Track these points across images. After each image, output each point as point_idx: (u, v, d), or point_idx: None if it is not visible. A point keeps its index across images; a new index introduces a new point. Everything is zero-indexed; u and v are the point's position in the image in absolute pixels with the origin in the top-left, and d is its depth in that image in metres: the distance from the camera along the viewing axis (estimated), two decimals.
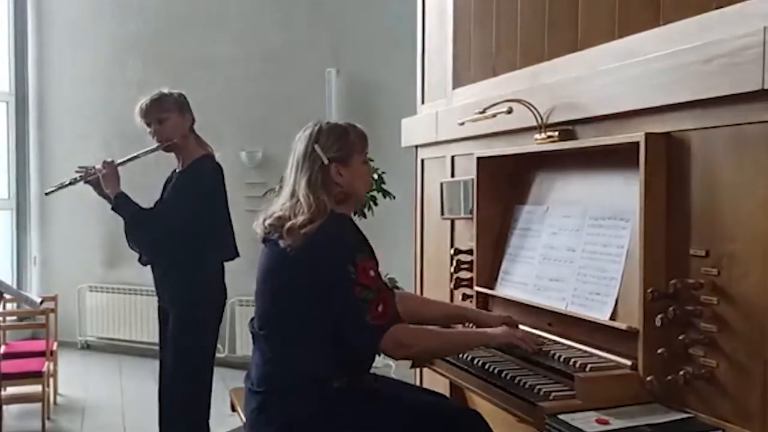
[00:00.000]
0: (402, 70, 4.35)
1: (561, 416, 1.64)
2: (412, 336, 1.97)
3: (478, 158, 2.48)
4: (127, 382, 5.41)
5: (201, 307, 3.07)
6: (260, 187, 5.48)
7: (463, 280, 2.60)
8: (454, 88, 2.84)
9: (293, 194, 2.01)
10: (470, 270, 2.56)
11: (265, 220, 2.03)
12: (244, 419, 2.15)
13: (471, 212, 2.54)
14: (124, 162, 3.17)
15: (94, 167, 3.10)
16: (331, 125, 2.07)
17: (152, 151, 3.16)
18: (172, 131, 3.10)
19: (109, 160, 3.10)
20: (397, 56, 4.86)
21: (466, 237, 2.65)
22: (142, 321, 6.06)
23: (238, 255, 3.19)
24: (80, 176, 3.10)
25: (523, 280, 2.31)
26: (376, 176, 4.42)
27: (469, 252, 2.58)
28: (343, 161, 2.02)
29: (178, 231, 2.97)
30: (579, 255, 2.08)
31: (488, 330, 2.12)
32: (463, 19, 2.82)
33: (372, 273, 1.93)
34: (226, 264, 3.18)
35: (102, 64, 6.31)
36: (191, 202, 3.00)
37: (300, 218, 1.92)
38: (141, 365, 5.71)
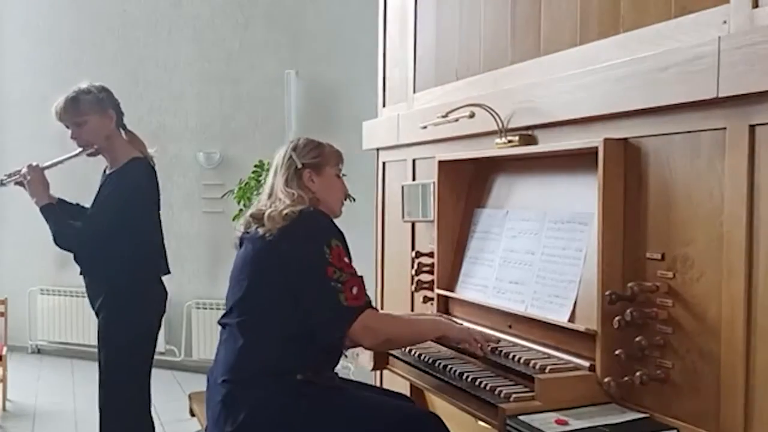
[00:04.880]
0: (362, 72, 4.35)
1: (521, 417, 1.66)
2: (380, 321, 2.03)
3: (439, 161, 2.50)
4: (79, 388, 5.27)
5: (131, 322, 2.88)
6: (218, 188, 5.43)
7: (424, 282, 2.62)
8: (415, 91, 2.85)
9: (271, 194, 2.13)
10: (431, 272, 2.57)
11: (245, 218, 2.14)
12: (204, 422, 2.12)
13: (432, 215, 2.56)
14: (50, 166, 2.86)
15: (20, 170, 2.81)
16: (309, 139, 2.23)
17: (76, 155, 2.84)
18: (92, 135, 2.77)
19: (35, 164, 2.80)
20: (357, 58, 4.86)
21: (427, 240, 2.66)
22: (96, 324, 5.91)
23: (168, 271, 2.95)
24: (6, 179, 2.84)
25: (483, 282, 2.33)
26: None
27: (430, 255, 2.59)
28: (316, 169, 2.16)
29: (105, 245, 2.70)
30: (538, 258, 2.10)
31: (449, 322, 2.22)
32: (425, 23, 2.83)
33: (346, 259, 2.00)
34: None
35: (57, 63, 6.14)
36: (120, 214, 2.69)
37: (281, 205, 2.04)
38: (94, 370, 5.52)
